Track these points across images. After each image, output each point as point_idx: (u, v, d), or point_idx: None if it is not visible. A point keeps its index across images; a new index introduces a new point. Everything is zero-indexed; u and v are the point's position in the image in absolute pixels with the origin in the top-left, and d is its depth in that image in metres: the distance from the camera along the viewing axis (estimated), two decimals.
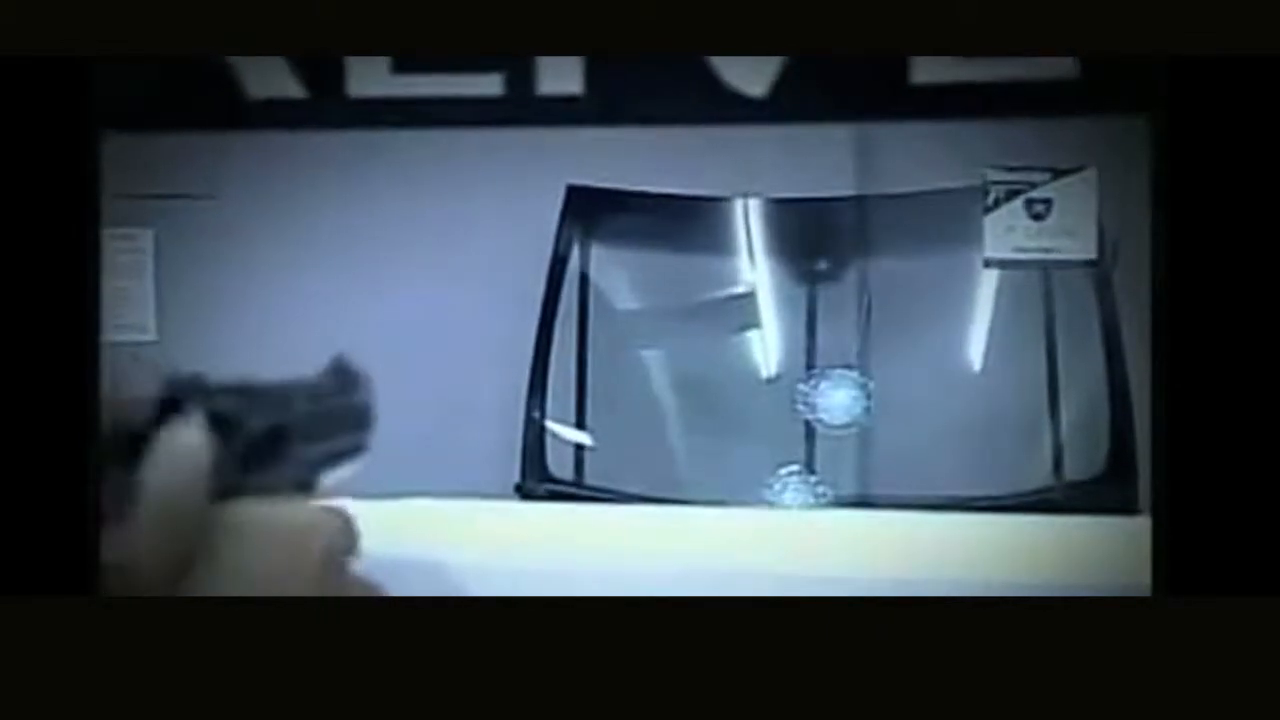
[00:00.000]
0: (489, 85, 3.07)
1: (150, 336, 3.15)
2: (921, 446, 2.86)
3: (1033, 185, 2.77)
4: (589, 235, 2.97)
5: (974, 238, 2.83)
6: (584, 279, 2.96)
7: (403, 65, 3.04)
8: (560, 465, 2.85)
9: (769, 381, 2.95)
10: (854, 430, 2.84)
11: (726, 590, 1.19)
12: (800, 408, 2.83)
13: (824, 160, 2.96)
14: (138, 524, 0.77)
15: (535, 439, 2.80)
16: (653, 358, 2.99)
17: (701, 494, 2.69)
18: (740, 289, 2.96)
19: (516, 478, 2.80)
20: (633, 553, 1.37)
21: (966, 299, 2.90)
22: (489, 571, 1.27)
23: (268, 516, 0.81)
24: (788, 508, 2.71)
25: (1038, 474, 2.77)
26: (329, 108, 3.11)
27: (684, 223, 2.96)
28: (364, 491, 1.41)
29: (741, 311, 2.94)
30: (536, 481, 2.77)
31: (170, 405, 0.71)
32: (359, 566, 0.93)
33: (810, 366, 2.87)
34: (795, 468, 2.80)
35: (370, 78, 3.07)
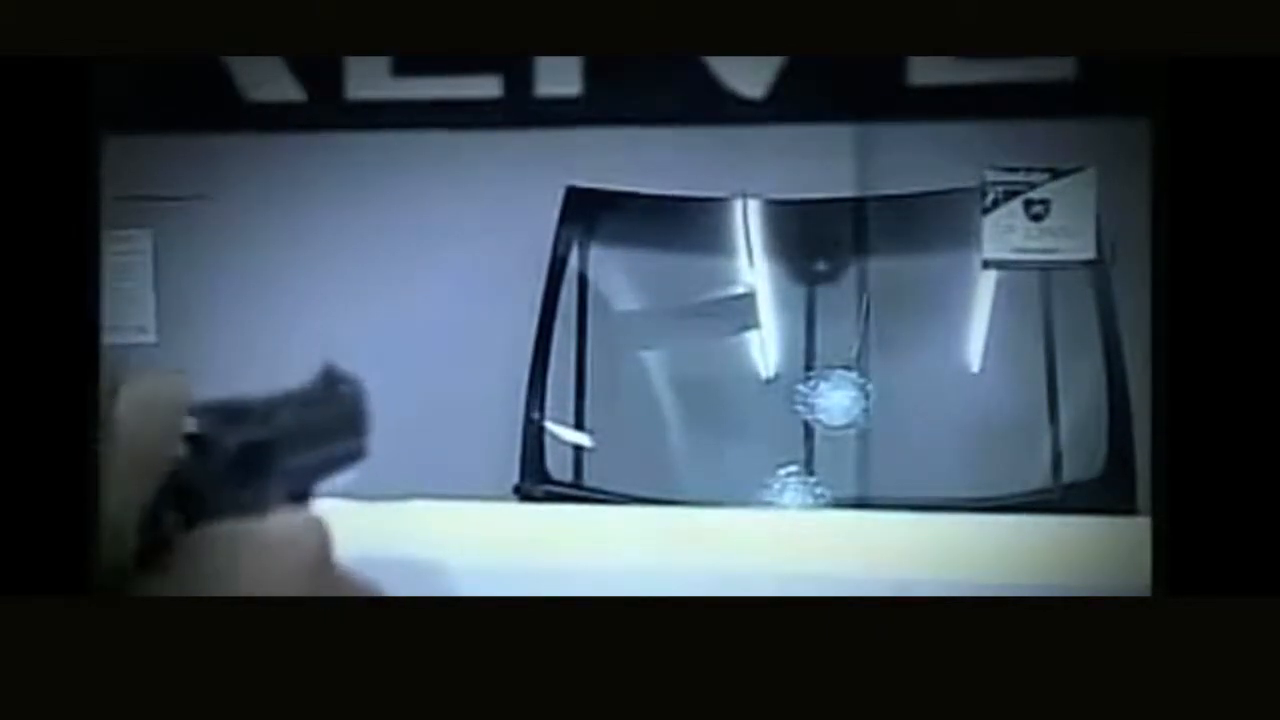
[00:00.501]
0: (488, 87, 3.07)
1: (150, 338, 3.15)
2: (920, 447, 2.86)
3: (1031, 186, 2.78)
4: (588, 236, 2.97)
5: (973, 238, 2.84)
6: (583, 280, 2.96)
7: (401, 67, 3.05)
8: (559, 466, 2.85)
9: (768, 382, 2.95)
10: (853, 431, 2.84)
11: (725, 590, 1.19)
12: (799, 408, 2.83)
13: (823, 161, 2.96)
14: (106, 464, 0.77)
15: (534, 440, 2.80)
16: (652, 358, 2.99)
17: (700, 495, 2.69)
18: (739, 290, 2.96)
19: (515, 479, 2.80)
20: (632, 553, 1.37)
21: (965, 300, 2.90)
22: (488, 572, 1.27)
23: (241, 533, 0.81)
24: (786, 508, 2.71)
25: (1036, 475, 2.78)
26: (328, 110, 3.11)
27: (683, 223, 2.97)
28: (363, 492, 1.41)
29: (740, 312, 2.94)
30: (535, 482, 2.78)
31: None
32: (345, 571, 0.93)
33: (809, 367, 2.88)
34: (794, 468, 2.80)
35: (369, 80, 3.07)
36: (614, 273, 2.97)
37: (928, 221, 2.93)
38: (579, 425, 2.89)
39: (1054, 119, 2.88)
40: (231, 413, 0.74)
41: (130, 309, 3.11)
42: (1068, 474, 2.76)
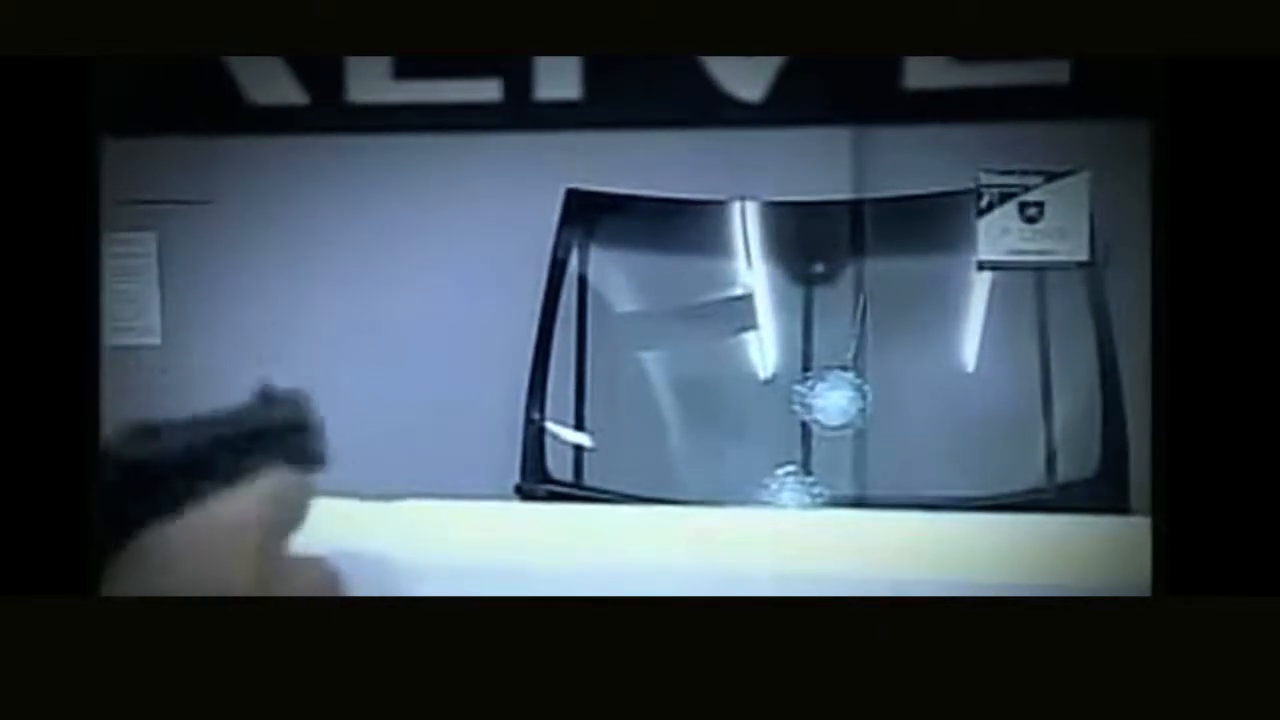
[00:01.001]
0: (488, 91, 3.08)
1: (155, 340, 3.16)
2: (916, 447, 2.87)
3: (1026, 188, 2.79)
4: (588, 238, 2.98)
5: (968, 240, 2.84)
6: (583, 281, 2.97)
7: (403, 71, 3.05)
8: (560, 466, 2.86)
9: (766, 383, 2.96)
10: (850, 431, 2.85)
11: (723, 589, 1.20)
12: (797, 409, 2.84)
13: (820, 163, 2.97)
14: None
15: (535, 440, 2.81)
16: (651, 359, 3.00)
17: (699, 494, 2.70)
18: (738, 291, 2.97)
19: (516, 478, 2.81)
20: (632, 553, 1.37)
21: (961, 301, 2.91)
22: (488, 572, 1.28)
23: (185, 525, 0.82)
24: (784, 507, 2.72)
25: (1031, 474, 2.79)
26: (329, 113, 3.11)
27: (682, 225, 2.97)
28: (364, 492, 1.42)
29: (739, 314, 2.95)
30: (536, 482, 2.78)
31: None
32: (301, 555, 0.93)
33: (806, 368, 2.88)
34: (792, 468, 2.81)
35: (370, 83, 3.08)
36: (613, 274, 2.98)
37: (924, 223, 2.94)
38: (579, 425, 2.90)
39: (1048, 122, 2.89)
40: (151, 433, 0.75)
41: (134, 311, 3.12)
42: (1062, 473, 2.77)
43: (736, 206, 2.96)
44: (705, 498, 2.56)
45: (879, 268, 2.96)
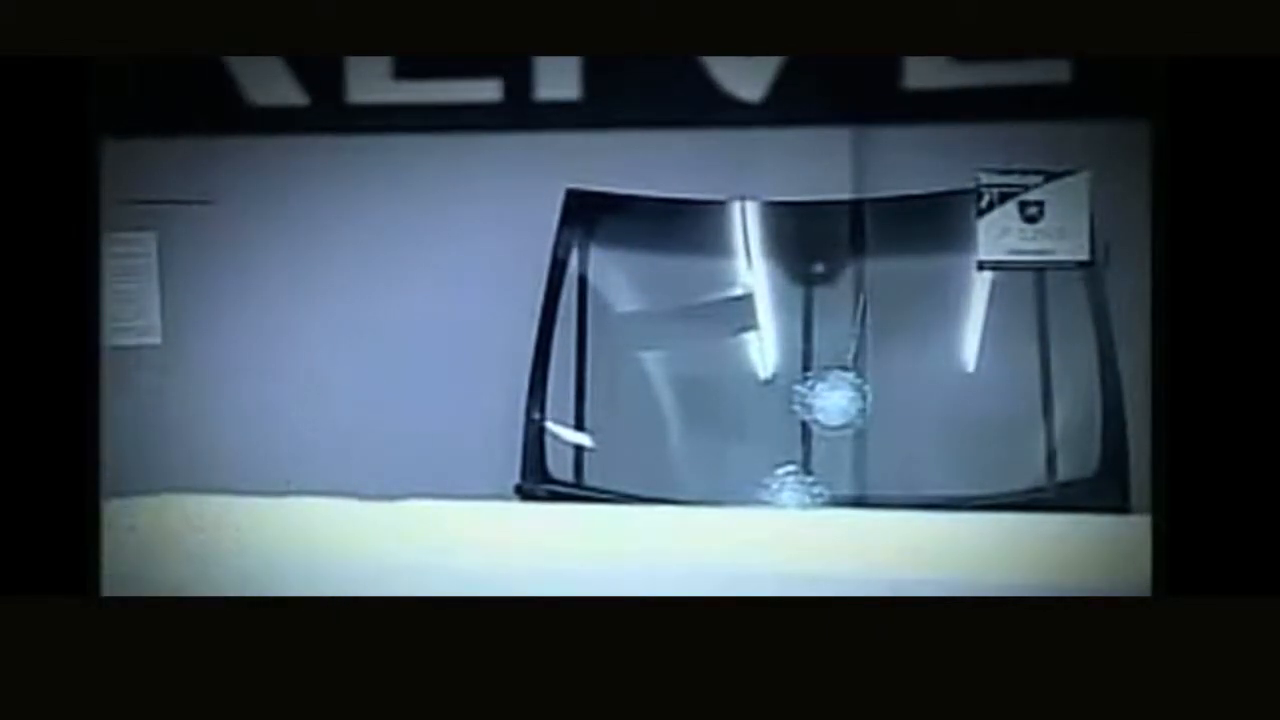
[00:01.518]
0: (488, 91, 3.08)
1: (155, 340, 3.16)
2: (916, 447, 2.87)
3: (1026, 188, 2.79)
4: (588, 238, 2.98)
5: (968, 240, 2.85)
6: (583, 282, 2.97)
7: (402, 71, 3.05)
8: (560, 466, 2.86)
9: (766, 383, 2.96)
10: (850, 431, 2.85)
11: (725, 589, 1.20)
12: (797, 409, 2.84)
13: (820, 163, 2.97)
14: None
15: (535, 440, 2.81)
16: (651, 359, 3.00)
17: (699, 494, 2.70)
18: (738, 291, 2.97)
19: (516, 479, 2.81)
20: (632, 553, 1.37)
21: (961, 301, 2.91)
22: (489, 572, 1.28)
23: None
24: (784, 508, 2.72)
25: (1031, 474, 2.79)
26: (329, 113, 3.11)
27: (682, 226, 2.97)
28: (365, 493, 1.41)
29: (739, 314, 2.95)
30: (536, 482, 2.78)
31: None
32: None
33: (806, 368, 2.88)
34: (792, 468, 2.81)
35: (370, 83, 3.08)
36: (614, 274, 2.97)
37: (924, 224, 2.94)
38: (579, 425, 2.90)
39: (1049, 121, 2.89)
40: None
41: (134, 311, 3.12)
42: (1062, 473, 2.77)
43: (736, 206, 2.96)
44: (705, 498, 2.56)
45: (879, 268, 2.96)
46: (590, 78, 3.05)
